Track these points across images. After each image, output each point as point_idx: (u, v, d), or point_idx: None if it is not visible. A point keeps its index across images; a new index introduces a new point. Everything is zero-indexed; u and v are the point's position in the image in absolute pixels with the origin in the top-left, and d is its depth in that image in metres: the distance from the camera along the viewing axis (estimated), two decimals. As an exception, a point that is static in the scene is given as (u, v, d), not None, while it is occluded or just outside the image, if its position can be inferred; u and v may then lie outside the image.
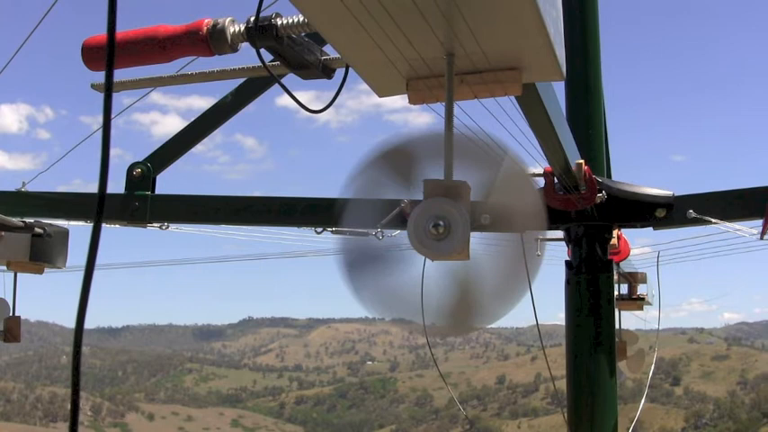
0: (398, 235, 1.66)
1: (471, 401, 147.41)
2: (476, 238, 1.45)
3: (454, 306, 1.54)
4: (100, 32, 1.94)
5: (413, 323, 1.56)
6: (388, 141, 1.57)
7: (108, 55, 1.02)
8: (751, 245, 5.68)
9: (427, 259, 1.45)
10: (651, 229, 3.33)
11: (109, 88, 1.01)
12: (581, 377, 3.44)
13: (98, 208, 1.03)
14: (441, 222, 1.33)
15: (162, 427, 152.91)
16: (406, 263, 1.53)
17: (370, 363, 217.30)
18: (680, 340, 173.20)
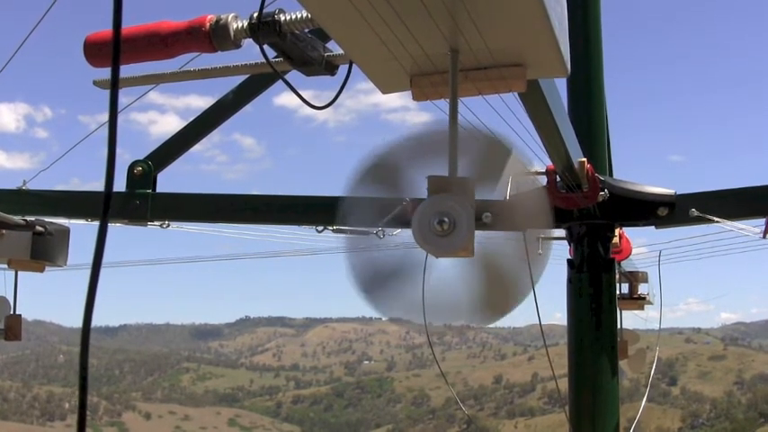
0: (399, 234, 1.66)
1: (468, 401, 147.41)
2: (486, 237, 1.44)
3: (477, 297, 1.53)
4: (99, 30, 1.93)
5: (449, 324, 1.56)
6: (368, 158, 1.55)
7: (114, 49, 1.01)
8: (754, 244, 5.68)
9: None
10: (653, 228, 3.33)
11: (115, 83, 1.00)
12: (583, 376, 3.44)
13: (105, 204, 1.03)
14: (445, 219, 1.32)
15: (159, 426, 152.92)
16: (423, 269, 1.52)
17: (366, 362, 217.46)
18: (677, 340, 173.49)
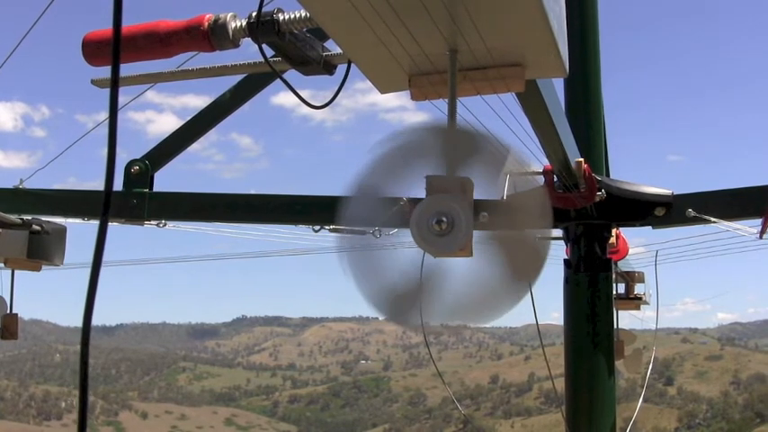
0: (397, 233, 1.65)
1: (465, 401, 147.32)
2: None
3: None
4: (97, 29, 1.93)
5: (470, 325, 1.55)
6: (359, 175, 1.54)
7: (114, 48, 1.01)
8: (751, 244, 5.69)
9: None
10: (650, 228, 3.33)
11: (115, 82, 1.00)
12: (579, 376, 3.44)
13: (105, 203, 1.02)
14: (444, 218, 1.32)
15: (155, 425, 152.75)
16: (442, 278, 1.50)
17: (363, 362, 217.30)
18: (673, 340, 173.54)
